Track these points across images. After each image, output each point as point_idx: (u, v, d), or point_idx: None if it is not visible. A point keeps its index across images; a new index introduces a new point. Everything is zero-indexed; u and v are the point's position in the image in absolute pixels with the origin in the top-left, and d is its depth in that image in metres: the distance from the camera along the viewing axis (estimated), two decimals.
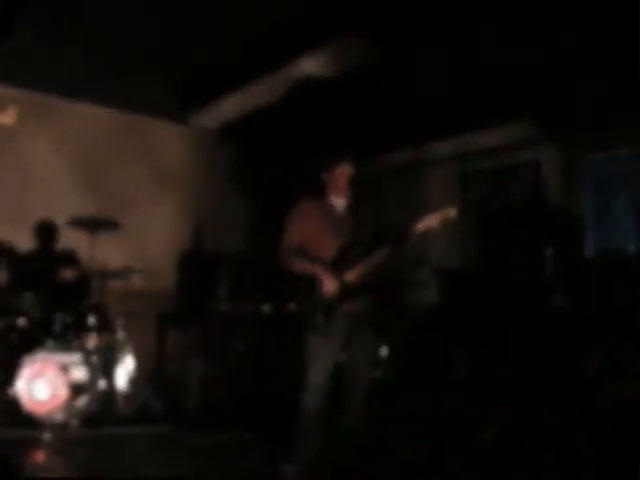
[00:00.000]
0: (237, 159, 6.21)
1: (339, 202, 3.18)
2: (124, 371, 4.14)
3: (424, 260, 5.43)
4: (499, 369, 4.41)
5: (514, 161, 5.78)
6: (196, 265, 5.72)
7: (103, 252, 4.45)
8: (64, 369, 3.83)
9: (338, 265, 3.01)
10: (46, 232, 4.72)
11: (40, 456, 3.26)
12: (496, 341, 4.60)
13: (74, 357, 3.91)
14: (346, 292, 2.99)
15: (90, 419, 3.82)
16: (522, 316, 4.50)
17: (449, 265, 5.79)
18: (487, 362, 4.61)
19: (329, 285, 2.96)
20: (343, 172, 3.13)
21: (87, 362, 3.95)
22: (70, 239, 4.66)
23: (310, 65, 4.23)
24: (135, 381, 4.16)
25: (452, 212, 2.92)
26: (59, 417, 3.72)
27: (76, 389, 3.86)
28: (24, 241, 4.69)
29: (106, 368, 4.07)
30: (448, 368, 4.88)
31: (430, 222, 2.92)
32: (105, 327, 4.24)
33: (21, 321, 3.98)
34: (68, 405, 3.77)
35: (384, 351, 5.21)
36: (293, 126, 5.65)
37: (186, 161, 5.98)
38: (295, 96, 4.69)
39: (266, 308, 5.17)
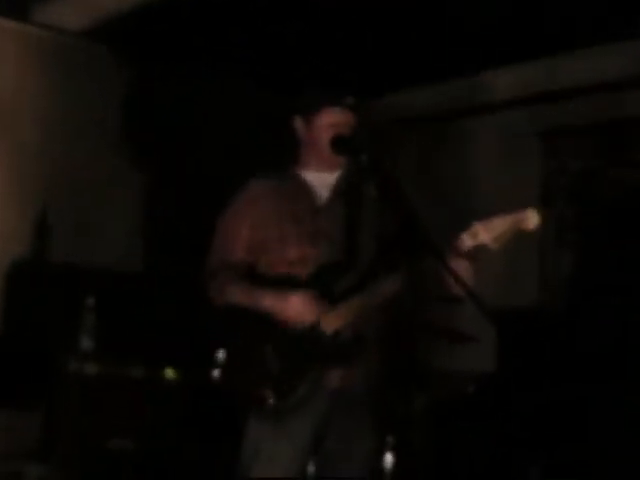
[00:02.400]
0: (124, 88, 6.06)
1: (322, 180, 3.18)
2: None
3: (469, 291, 5.46)
4: None
5: (633, 112, 5.57)
6: (40, 290, 5.62)
7: None
8: None
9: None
10: None
11: None
12: (597, 437, 4.62)
13: None
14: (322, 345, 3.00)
15: None
16: None
17: (514, 301, 5.65)
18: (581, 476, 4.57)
19: (300, 311, 2.95)
20: (332, 123, 3.09)
21: None
22: None
23: None
24: None
25: (531, 219, 2.78)
26: None
27: None
28: None
29: None
30: None
31: (487, 234, 2.78)
32: None
33: None
34: None
35: (390, 457, 4.89)
36: (229, 33, 5.57)
37: (26, 86, 5.76)
38: None
39: (170, 373, 5.11)
